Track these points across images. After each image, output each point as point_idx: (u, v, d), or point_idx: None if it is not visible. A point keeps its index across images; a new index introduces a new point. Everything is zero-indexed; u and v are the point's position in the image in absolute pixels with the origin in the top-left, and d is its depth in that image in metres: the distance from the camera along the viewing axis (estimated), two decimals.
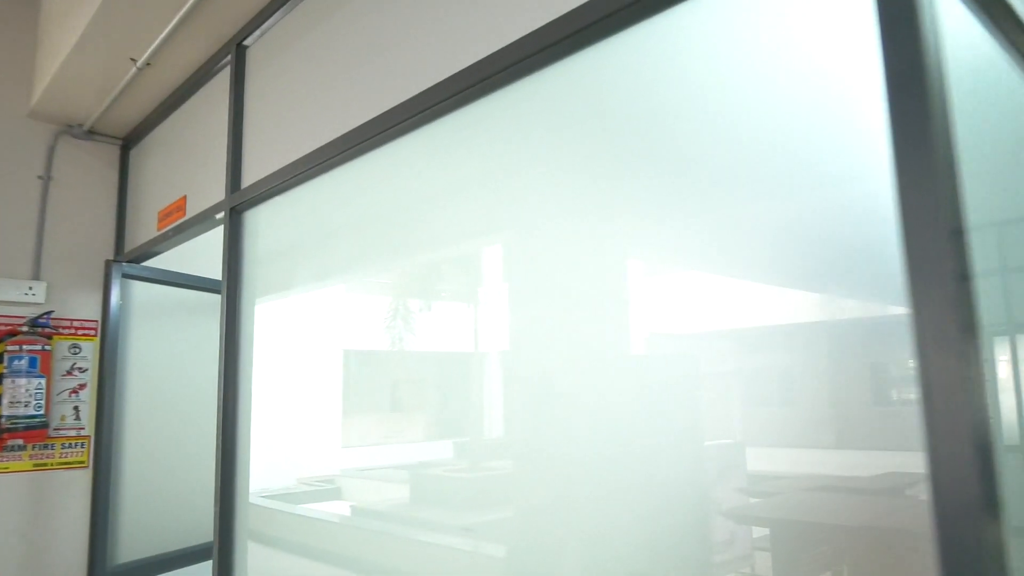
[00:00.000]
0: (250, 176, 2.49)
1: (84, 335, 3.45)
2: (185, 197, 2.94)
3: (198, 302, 3.82)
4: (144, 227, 3.35)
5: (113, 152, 3.65)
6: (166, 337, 3.65)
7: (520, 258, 1.66)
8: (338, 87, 2.17)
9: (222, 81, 2.74)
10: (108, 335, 3.34)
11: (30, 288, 3.29)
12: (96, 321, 3.49)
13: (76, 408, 3.39)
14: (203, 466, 3.70)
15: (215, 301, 3.80)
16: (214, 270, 3.72)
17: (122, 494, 3.41)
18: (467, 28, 1.75)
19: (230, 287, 2.46)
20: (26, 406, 3.14)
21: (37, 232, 3.37)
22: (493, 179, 1.73)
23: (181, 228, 2.90)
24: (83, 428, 3.41)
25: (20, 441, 3.20)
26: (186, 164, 2.98)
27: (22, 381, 3.14)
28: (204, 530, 3.73)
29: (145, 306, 3.55)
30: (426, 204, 1.92)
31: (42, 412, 3.20)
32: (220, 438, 2.41)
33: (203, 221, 2.72)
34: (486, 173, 1.74)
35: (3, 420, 3.11)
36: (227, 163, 2.57)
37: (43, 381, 3.21)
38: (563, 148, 1.55)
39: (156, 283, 3.56)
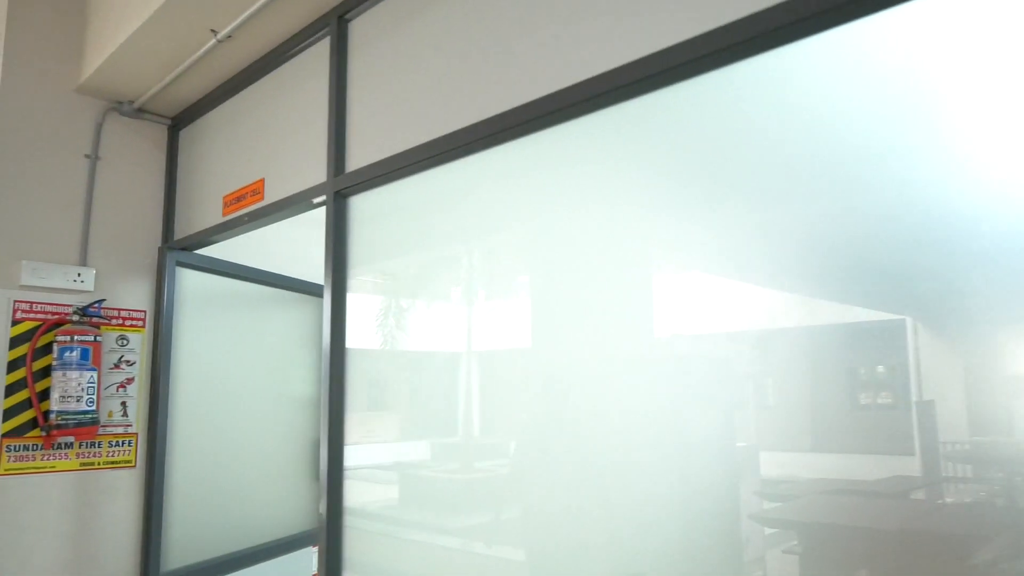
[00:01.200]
0: (356, 160, 2.35)
1: (132, 326, 3.24)
2: (263, 180, 2.77)
3: (251, 295, 3.63)
4: (200, 213, 3.16)
5: (160, 132, 3.44)
6: (217, 330, 3.45)
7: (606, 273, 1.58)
8: (456, 77, 2.06)
9: (316, 56, 2.58)
10: (162, 326, 3.13)
11: (78, 275, 3.07)
12: (143, 311, 3.28)
13: (124, 404, 3.18)
14: (255, 466, 3.52)
15: (270, 296, 3.62)
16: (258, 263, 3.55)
17: (172, 496, 3.21)
18: (601, 36, 1.67)
19: (336, 273, 2.31)
20: (78, 401, 2.93)
21: (84, 215, 3.15)
22: (599, 197, 1.66)
23: (260, 213, 2.73)
24: (130, 425, 3.20)
25: (71, 438, 2.98)
26: (263, 145, 2.81)
27: (73, 374, 2.92)
28: (257, 532, 3.54)
29: (195, 297, 3.35)
30: (539, 212, 1.82)
31: (93, 408, 2.98)
32: (328, 434, 2.26)
33: (291, 205, 2.56)
34: (600, 189, 1.65)
35: (53, 416, 2.89)
36: (329, 144, 2.42)
37: (95, 375, 2.99)
38: (654, 172, 1.47)
39: (215, 273, 3.37)
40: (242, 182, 2.89)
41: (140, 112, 3.32)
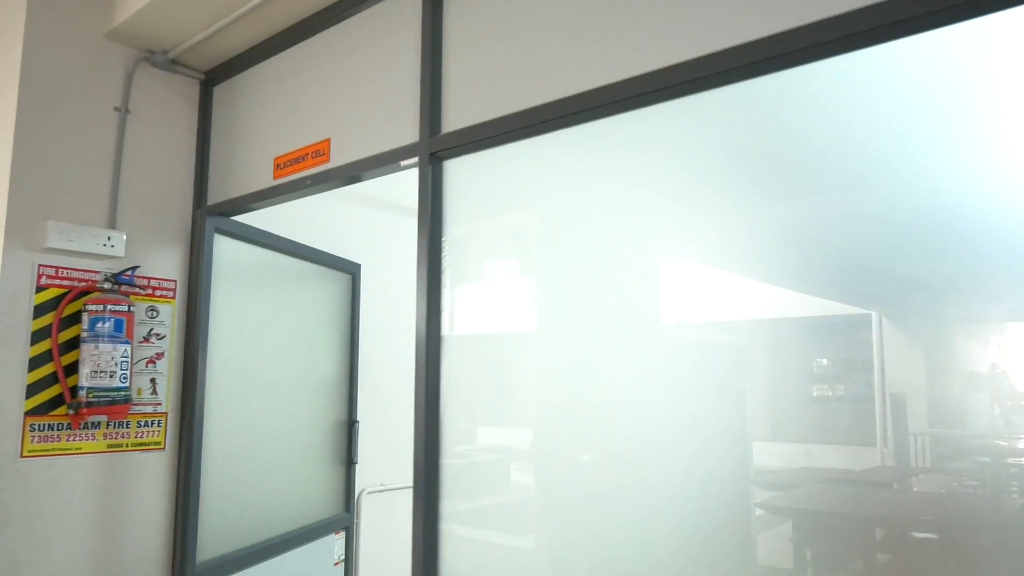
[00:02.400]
0: (453, 121, 2.16)
1: (162, 296, 2.98)
2: (329, 140, 2.55)
3: (281, 268, 3.39)
4: (243, 176, 2.92)
5: (192, 88, 3.16)
6: (248, 304, 3.21)
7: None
8: (570, 38, 1.90)
9: (401, 6, 2.37)
10: (199, 298, 2.88)
11: (108, 239, 2.80)
12: (174, 281, 3.03)
13: (153, 381, 2.93)
14: (285, 449, 3.31)
15: (298, 270, 3.39)
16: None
17: (204, 481, 2.98)
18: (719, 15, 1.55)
19: (431, 242, 2.13)
20: (111, 376, 2.67)
21: (113, 174, 2.87)
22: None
23: (327, 176, 2.51)
24: (160, 404, 2.95)
25: (103, 418, 2.72)
26: (329, 102, 2.58)
27: (106, 347, 2.66)
28: (288, 519, 3.34)
29: (228, 267, 3.11)
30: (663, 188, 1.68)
31: (127, 384, 2.73)
32: (423, 407, 2.09)
33: (371, 168, 2.36)
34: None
35: (83, 392, 2.63)
36: (422, 102, 2.22)
37: (128, 348, 2.73)
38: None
39: (252, 243, 3.13)
40: (300, 143, 2.67)
41: (173, 64, 3.04)
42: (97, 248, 2.76)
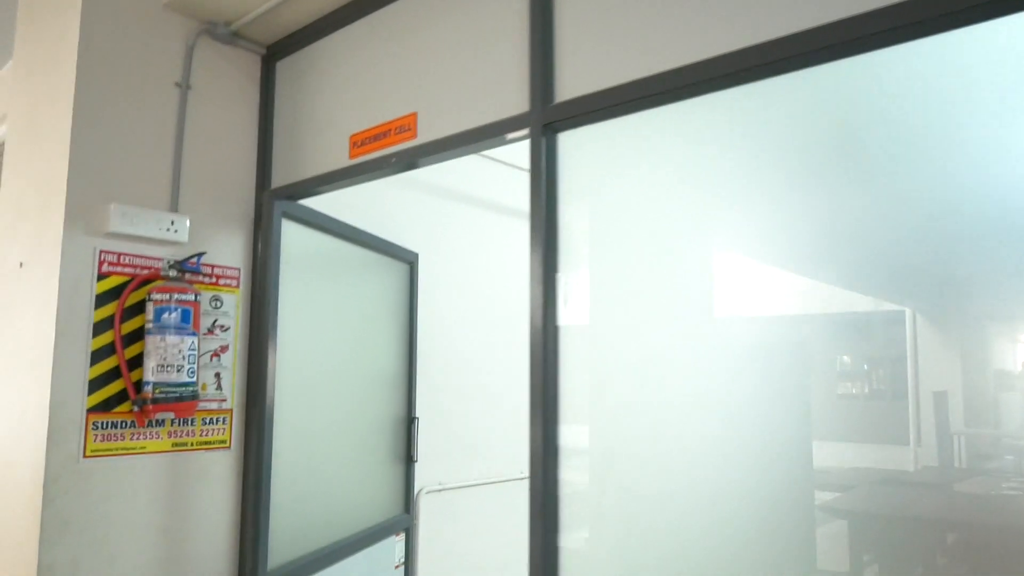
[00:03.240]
0: (568, 88, 1.96)
1: (226, 285, 2.79)
2: (415, 115, 2.35)
3: (345, 257, 3.20)
4: (312, 156, 2.72)
5: (253, 63, 2.97)
6: (313, 295, 3.02)
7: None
8: None
9: None
10: (267, 288, 2.69)
11: (172, 223, 2.60)
12: (238, 268, 2.83)
13: (218, 375, 2.74)
14: (349, 447, 3.13)
15: (360, 259, 3.21)
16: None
17: (272, 482, 2.79)
18: None
19: (547, 223, 1.93)
20: (178, 371, 2.48)
21: (175, 154, 2.68)
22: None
23: (416, 153, 2.31)
24: (225, 400, 2.76)
25: (170, 415, 2.54)
26: (414, 74, 2.38)
27: (173, 339, 2.47)
28: (353, 520, 3.15)
29: (293, 255, 2.91)
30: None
31: (194, 379, 2.54)
32: (540, 408, 1.89)
33: (472, 142, 2.15)
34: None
35: (149, 387, 2.44)
36: (532, 68, 2.02)
37: (195, 340, 2.55)
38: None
39: (319, 230, 2.93)
40: (380, 119, 2.47)
41: (235, 37, 2.84)
42: (160, 233, 2.57)
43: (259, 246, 2.80)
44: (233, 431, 2.77)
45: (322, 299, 3.02)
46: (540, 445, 1.87)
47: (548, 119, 1.96)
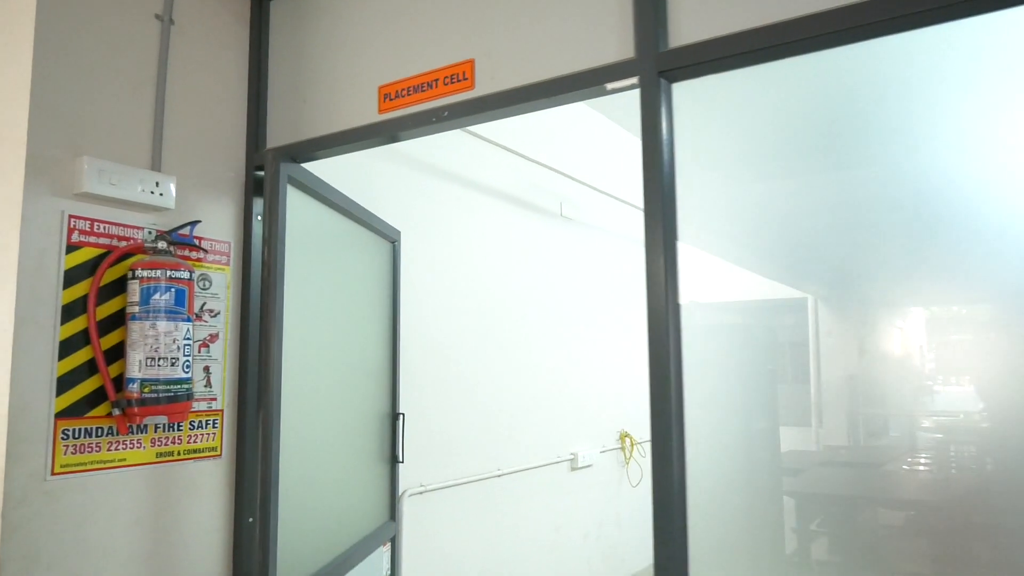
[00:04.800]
0: (685, 32, 1.70)
1: (215, 262, 2.34)
2: (472, 61, 2.01)
3: (337, 232, 2.79)
4: (325, 111, 2.32)
5: (240, 1, 2.50)
6: (307, 276, 2.60)
7: None
8: None
9: None
10: (274, 266, 2.25)
11: (157, 184, 2.13)
12: (228, 243, 2.39)
13: (207, 369, 2.29)
14: (342, 449, 2.75)
15: (351, 234, 2.83)
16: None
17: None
18: None
19: (665, 187, 1.66)
20: (172, 365, 2.03)
21: (156, 100, 2.20)
22: None
23: (470, 108, 1.97)
24: (215, 399, 2.32)
25: (163, 419, 2.08)
26: (471, 12, 2.04)
27: (165, 326, 2.02)
28: (350, 531, 2.77)
29: (289, 229, 2.49)
30: None
31: (189, 374, 2.10)
32: (660, 399, 1.62)
33: (558, 92, 1.85)
34: None
35: (134, 385, 1.98)
36: (636, 7, 1.74)
37: (190, 327, 2.10)
38: None
39: (320, 200, 2.52)
40: (423, 66, 2.11)
41: None
42: (142, 196, 2.10)
43: (252, 216, 2.37)
44: (224, 436, 2.33)
45: (315, 280, 2.60)
46: (664, 437, 1.61)
47: (664, 66, 1.68)
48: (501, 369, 4.14)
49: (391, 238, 3.34)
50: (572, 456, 4.76)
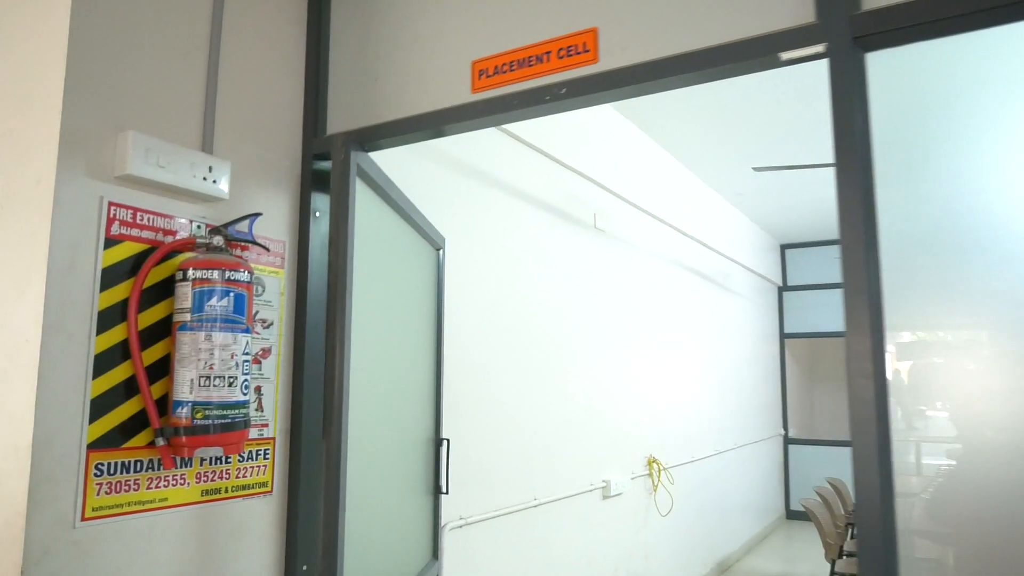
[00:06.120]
0: None
1: (268, 264, 2.00)
2: (596, 30, 1.71)
3: (393, 236, 2.46)
4: (400, 91, 2.00)
5: None
6: (365, 285, 2.26)
7: None
8: None
9: None
10: (340, 271, 1.91)
11: (210, 170, 1.79)
12: (283, 242, 2.05)
13: (258, 390, 1.94)
14: (394, 481, 2.42)
15: (411, 242, 2.52)
16: None
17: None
18: None
19: (863, 174, 1.37)
20: (230, 385, 1.68)
21: (209, 71, 1.87)
22: None
23: (590, 85, 1.67)
24: (267, 425, 1.96)
25: (218, 450, 1.72)
26: None
27: (223, 338, 1.67)
28: (402, 572, 2.42)
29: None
30: None
31: (248, 397, 1.74)
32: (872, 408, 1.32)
33: (705, 66, 1.56)
34: None
35: (184, 410, 1.63)
36: None
37: (249, 340, 1.75)
38: None
39: (380, 194, 2.19)
40: (526, 38, 1.80)
41: None
42: (194, 183, 1.75)
43: (310, 212, 2.04)
44: (276, 469, 1.97)
45: (365, 290, 2.26)
46: (869, 450, 1.30)
47: (859, 31, 1.40)
48: (537, 390, 3.81)
49: (437, 245, 3.02)
50: (605, 483, 4.43)
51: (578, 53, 1.72)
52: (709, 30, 1.57)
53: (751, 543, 7.09)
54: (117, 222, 1.63)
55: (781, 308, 8.54)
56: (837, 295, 8.15)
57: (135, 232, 1.66)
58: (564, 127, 4.06)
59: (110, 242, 1.61)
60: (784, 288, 8.52)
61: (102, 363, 1.58)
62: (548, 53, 1.76)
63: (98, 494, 1.56)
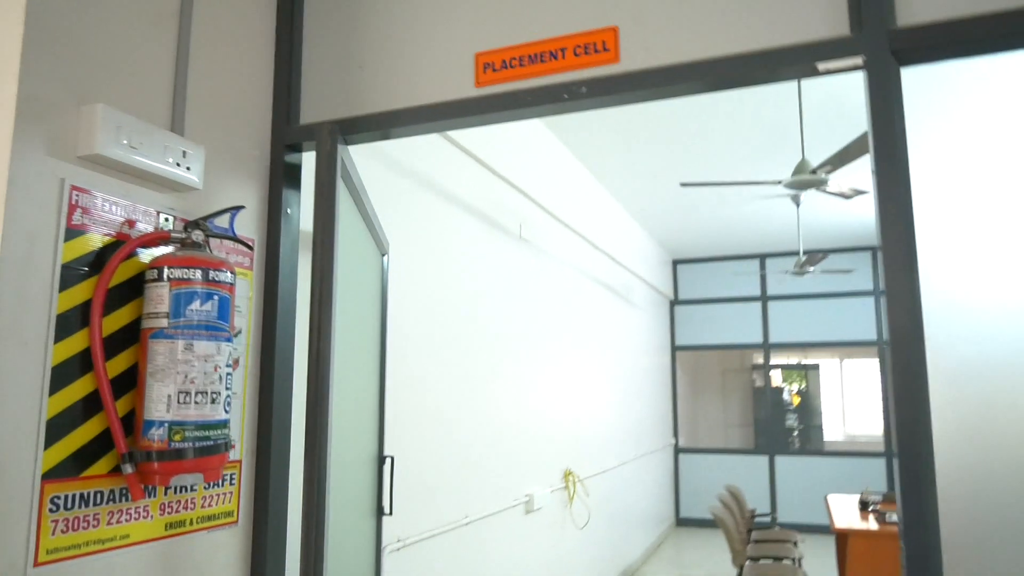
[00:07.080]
0: (917, 7, 1.45)
1: (238, 266, 1.78)
2: (616, 30, 1.65)
3: (350, 239, 2.27)
4: (390, 81, 1.85)
5: None
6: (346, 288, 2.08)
7: None
8: None
9: None
10: (324, 272, 1.72)
11: (184, 154, 1.57)
12: (251, 241, 1.83)
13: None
14: (344, 502, 2.24)
15: (366, 246, 2.35)
16: None
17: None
18: None
19: (900, 186, 1.39)
20: (213, 402, 1.46)
21: (180, 43, 1.64)
22: None
23: (608, 86, 1.61)
24: (234, 446, 1.74)
25: (199, 477, 1.49)
26: None
27: (206, 347, 1.46)
28: None
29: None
30: None
31: (229, 416, 1.53)
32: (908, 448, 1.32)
33: (734, 72, 1.53)
34: None
35: (159, 431, 1.40)
36: None
37: (231, 349, 1.54)
38: None
39: (353, 197, 2.01)
40: (538, 32, 1.72)
41: None
42: (165, 168, 1.52)
43: (280, 209, 1.84)
44: (242, 496, 1.75)
45: (361, 292, 2.08)
46: (909, 467, 1.30)
47: (897, 45, 1.42)
48: (471, 402, 3.69)
49: (383, 249, 2.85)
50: (528, 498, 4.36)
51: (597, 52, 1.65)
52: (739, 36, 1.54)
53: (648, 552, 7.25)
54: (80, 210, 1.38)
55: (673, 321, 8.85)
56: (723, 309, 8.55)
57: (100, 223, 1.42)
58: (494, 133, 3.98)
59: (72, 233, 1.36)
60: (676, 302, 8.83)
61: (60, 376, 1.33)
62: (563, 50, 1.68)
63: (53, 533, 1.31)
